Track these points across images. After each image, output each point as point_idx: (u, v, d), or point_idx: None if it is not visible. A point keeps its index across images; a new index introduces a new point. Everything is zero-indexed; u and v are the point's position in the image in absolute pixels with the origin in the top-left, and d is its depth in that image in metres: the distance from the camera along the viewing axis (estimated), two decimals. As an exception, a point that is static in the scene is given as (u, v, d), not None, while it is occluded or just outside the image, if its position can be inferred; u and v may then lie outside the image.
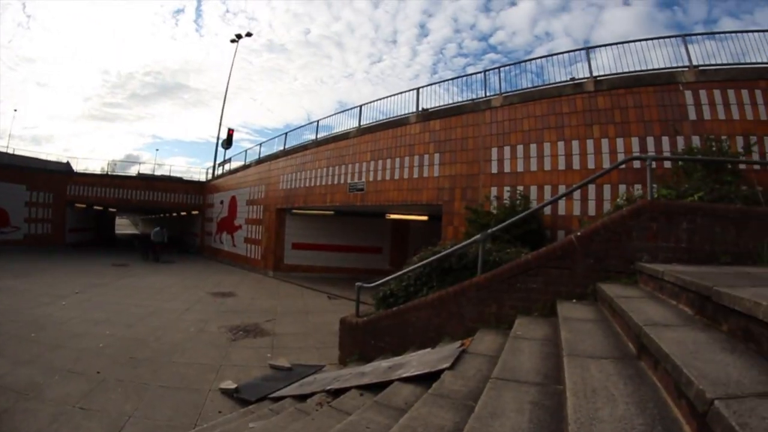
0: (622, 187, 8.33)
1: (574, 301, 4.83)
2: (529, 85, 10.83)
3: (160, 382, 5.92)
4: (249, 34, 33.60)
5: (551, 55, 10.72)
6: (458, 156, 11.19)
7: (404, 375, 4.20)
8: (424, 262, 6.47)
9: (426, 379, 3.89)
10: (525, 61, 11.48)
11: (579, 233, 5.19)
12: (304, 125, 19.35)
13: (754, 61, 8.61)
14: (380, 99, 14.35)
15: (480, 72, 11.86)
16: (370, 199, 13.62)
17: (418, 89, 12.80)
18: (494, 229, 6.21)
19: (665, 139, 8.64)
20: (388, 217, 17.92)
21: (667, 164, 7.95)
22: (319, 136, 17.23)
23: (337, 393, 4.59)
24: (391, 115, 13.60)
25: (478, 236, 5.95)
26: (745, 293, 2.28)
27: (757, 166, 7.51)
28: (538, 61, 11.31)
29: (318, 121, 17.74)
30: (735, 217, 4.78)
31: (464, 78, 12.97)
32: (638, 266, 4.63)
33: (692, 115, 8.53)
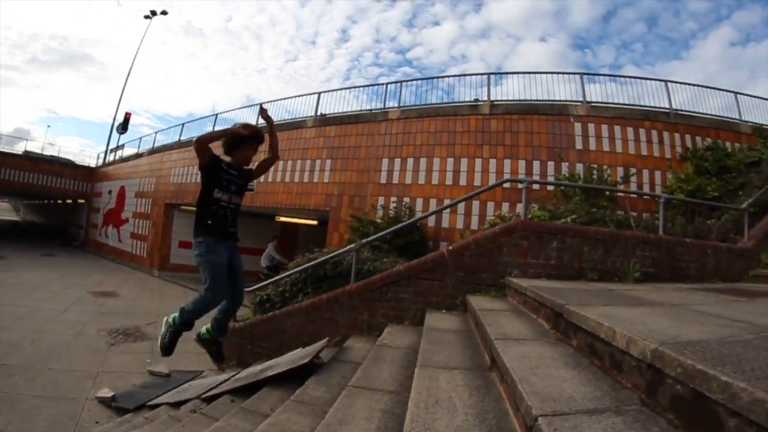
0: (506, 205, 8.63)
1: (444, 311, 4.79)
2: (437, 101, 11.08)
3: (35, 391, 5.47)
4: (164, 12, 30.65)
5: (457, 75, 11.23)
6: (349, 164, 11.10)
7: (270, 374, 4.20)
8: (300, 268, 6.39)
9: (295, 385, 3.80)
10: (431, 78, 11.64)
11: (450, 247, 5.23)
12: (204, 117, 18.24)
13: (648, 104, 9.51)
14: (283, 99, 13.99)
15: (381, 84, 11.88)
16: (260, 200, 13.04)
17: (319, 93, 12.67)
18: (370, 238, 6.28)
19: (551, 164, 9.08)
20: (278, 220, 17.27)
21: (551, 187, 8.26)
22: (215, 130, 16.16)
23: (211, 399, 4.54)
24: (295, 116, 13.28)
25: (352, 245, 5.93)
26: (594, 312, 2.38)
27: (634, 195, 8.17)
28: (450, 80, 11.56)
29: (217, 115, 16.92)
30: (604, 239, 4.99)
31: (371, 87, 12.90)
32: (507, 281, 4.66)
33: (579, 145, 9.13)
